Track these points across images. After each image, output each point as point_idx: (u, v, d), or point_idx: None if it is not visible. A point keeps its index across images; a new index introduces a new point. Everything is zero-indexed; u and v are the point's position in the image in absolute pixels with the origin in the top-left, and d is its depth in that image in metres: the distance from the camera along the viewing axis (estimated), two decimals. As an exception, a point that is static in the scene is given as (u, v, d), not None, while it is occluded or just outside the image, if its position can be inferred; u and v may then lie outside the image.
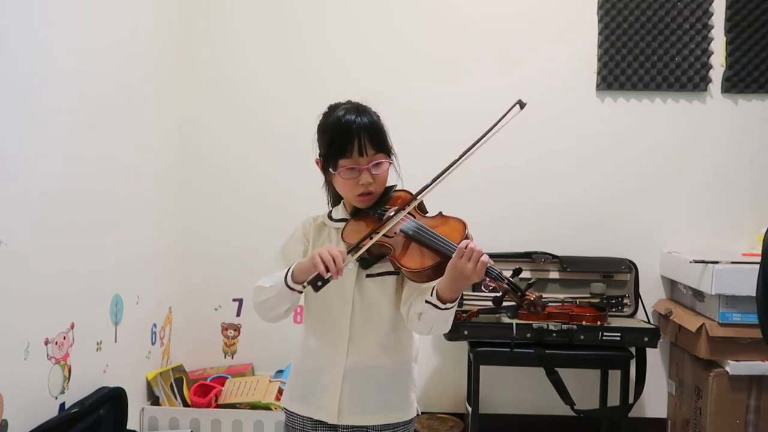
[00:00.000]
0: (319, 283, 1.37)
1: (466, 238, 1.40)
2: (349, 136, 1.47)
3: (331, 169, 1.51)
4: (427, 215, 1.54)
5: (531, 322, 2.60)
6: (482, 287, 2.90)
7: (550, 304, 2.78)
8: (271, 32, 3.02)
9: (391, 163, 1.53)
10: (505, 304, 1.38)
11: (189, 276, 3.03)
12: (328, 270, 1.36)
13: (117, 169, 2.34)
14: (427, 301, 1.39)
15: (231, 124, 3.05)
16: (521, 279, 1.39)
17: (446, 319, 1.42)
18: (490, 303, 2.82)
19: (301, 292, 1.46)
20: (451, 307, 1.40)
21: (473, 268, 1.31)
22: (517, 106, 1.55)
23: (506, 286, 1.36)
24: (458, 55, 3.01)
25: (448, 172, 1.48)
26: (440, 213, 1.52)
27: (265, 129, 3.03)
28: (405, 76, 3.00)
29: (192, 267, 3.04)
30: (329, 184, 1.60)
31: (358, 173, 1.48)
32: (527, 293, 1.35)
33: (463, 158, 1.49)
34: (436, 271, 1.38)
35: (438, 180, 1.46)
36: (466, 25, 3.00)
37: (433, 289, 1.39)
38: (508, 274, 1.37)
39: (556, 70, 3.00)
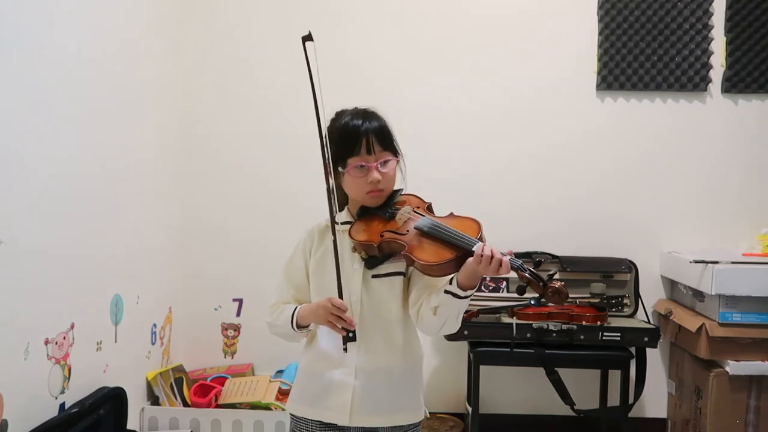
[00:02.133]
0: (351, 335, 1.45)
1: (481, 236, 1.42)
2: (357, 136, 1.52)
3: (340, 169, 1.54)
4: (437, 215, 1.55)
5: (531, 322, 2.60)
6: (482, 287, 2.90)
7: (550, 304, 2.78)
8: (275, 19, 3.00)
9: (398, 161, 1.56)
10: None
11: (189, 276, 3.03)
12: (345, 330, 1.45)
13: (116, 168, 2.34)
14: (446, 291, 1.41)
15: (234, 122, 3.04)
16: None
17: (461, 311, 1.45)
18: (489, 303, 2.82)
19: (311, 330, 1.56)
20: (470, 295, 1.42)
21: (495, 271, 1.35)
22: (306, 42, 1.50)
23: (528, 276, 1.38)
24: (458, 56, 3.01)
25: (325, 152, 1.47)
26: (451, 213, 1.54)
27: (269, 125, 3.01)
28: (407, 75, 3.00)
29: (192, 267, 3.04)
30: (339, 188, 1.60)
31: (366, 171, 1.52)
32: (550, 282, 1.37)
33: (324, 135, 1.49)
34: (455, 265, 1.40)
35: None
36: (466, 25, 3.00)
37: (452, 278, 1.41)
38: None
39: (557, 70, 3.00)
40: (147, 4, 2.63)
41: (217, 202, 3.06)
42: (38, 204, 1.84)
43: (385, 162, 1.53)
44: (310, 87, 1.47)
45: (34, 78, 1.82)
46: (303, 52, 1.49)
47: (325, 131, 1.50)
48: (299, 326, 1.54)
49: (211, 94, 3.03)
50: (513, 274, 1.40)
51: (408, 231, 1.48)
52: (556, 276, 1.42)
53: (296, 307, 1.55)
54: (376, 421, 1.52)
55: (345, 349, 1.47)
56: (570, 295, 2.81)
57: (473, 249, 1.37)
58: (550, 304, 1.42)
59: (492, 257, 1.34)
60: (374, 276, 1.52)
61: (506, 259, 1.35)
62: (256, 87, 3.03)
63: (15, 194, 1.74)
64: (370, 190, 1.53)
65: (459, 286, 1.40)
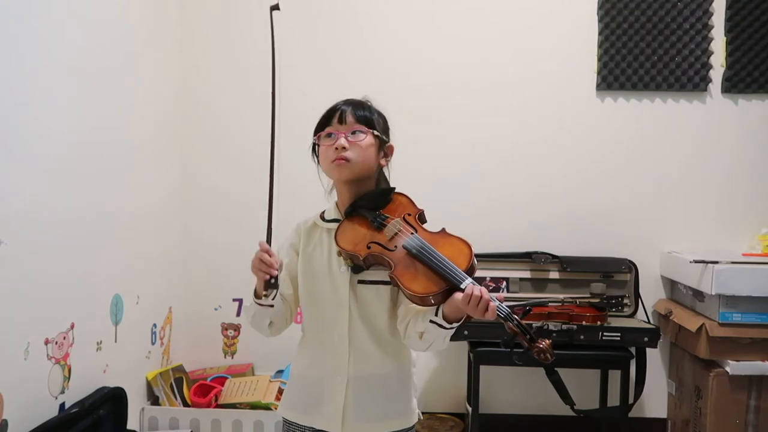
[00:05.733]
0: (272, 281, 1.42)
1: (471, 264, 1.36)
2: (333, 110, 1.51)
3: (316, 142, 1.53)
4: (426, 228, 1.47)
5: (531, 322, 2.59)
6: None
7: (550, 304, 2.78)
8: None
9: (372, 134, 1.49)
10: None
11: (189, 276, 3.03)
12: (268, 274, 1.41)
13: (116, 164, 2.34)
14: (431, 321, 1.37)
15: (238, 98, 3.02)
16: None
17: (447, 336, 1.41)
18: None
19: (271, 306, 1.47)
20: (456, 327, 1.38)
21: (482, 314, 1.30)
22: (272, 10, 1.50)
23: (516, 328, 1.33)
24: (458, 55, 3.01)
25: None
26: (443, 230, 1.47)
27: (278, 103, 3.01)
28: (406, 71, 3.00)
29: (192, 267, 3.04)
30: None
31: (334, 139, 1.48)
32: (538, 340, 1.31)
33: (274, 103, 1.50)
34: (441, 298, 1.34)
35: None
36: (466, 25, 3.00)
37: (438, 308, 1.37)
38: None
39: (556, 70, 3.00)
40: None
41: (218, 204, 3.05)
42: (38, 204, 1.84)
43: (355, 132, 1.47)
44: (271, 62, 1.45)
45: (29, 64, 1.82)
46: (270, 23, 1.47)
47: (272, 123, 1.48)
48: (256, 296, 1.47)
49: (212, 79, 3.03)
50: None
51: (396, 247, 1.41)
52: (542, 326, 1.35)
53: None
54: (368, 429, 1.50)
55: (266, 295, 1.44)
56: (570, 295, 2.86)
57: (462, 286, 1.31)
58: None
59: (480, 299, 1.29)
60: (360, 281, 1.48)
61: (494, 304, 1.30)
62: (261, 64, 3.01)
63: (15, 194, 1.73)
64: (335, 157, 1.46)
65: (444, 318, 1.35)
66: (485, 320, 1.32)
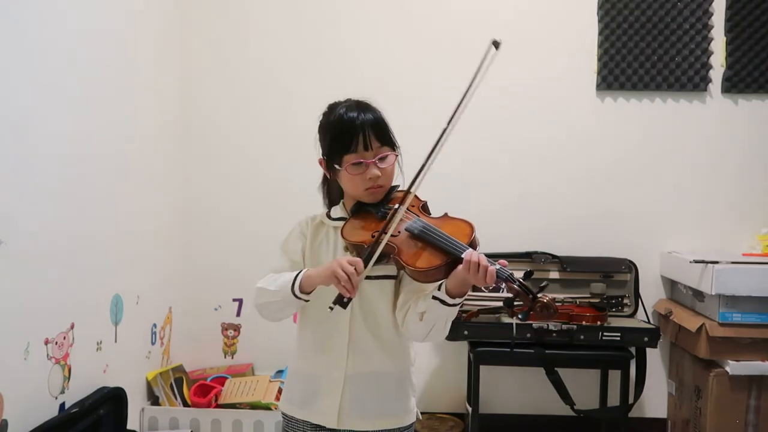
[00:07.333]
0: (345, 300, 1.38)
1: (473, 240, 1.38)
2: (353, 131, 1.47)
3: (336, 166, 1.50)
4: (431, 216, 1.51)
5: (531, 322, 2.60)
6: (482, 287, 2.89)
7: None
8: (278, 4, 3.01)
9: (396, 155, 1.52)
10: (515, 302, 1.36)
11: (189, 276, 3.03)
12: (348, 292, 1.36)
13: (116, 165, 2.34)
14: (434, 297, 1.38)
15: (235, 112, 3.04)
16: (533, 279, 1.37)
17: (449, 319, 1.42)
18: (489, 303, 2.82)
19: (307, 301, 1.45)
20: (458, 303, 1.39)
21: (482, 280, 1.31)
22: (492, 47, 1.52)
23: (517, 288, 1.33)
24: (458, 55, 3.00)
25: (443, 137, 1.50)
26: (446, 214, 1.51)
27: (271, 115, 3.02)
28: (404, 68, 3.00)
29: (192, 267, 3.04)
30: (332, 182, 1.59)
31: (364, 167, 1.47)
32: (539, 296, 1.32)
33: (453, 119, 1.52)
34: (444, 271, 1.36)
35: (435, 151, 1.47)
36: (466, 24, 2.99)
37: (441, 284, 1.38)
38: (518, 274, 1.36)
39: (556, 70, 3.00)
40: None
41: (218, 204, 3.06)
42: (38, 204, 1.84)
43: (384, 157, 1.48)
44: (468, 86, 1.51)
45: (34, 73, 1.82)
46: (485, 54, 1.54)
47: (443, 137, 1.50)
48: (301, 291, 1.42)
49: (213, 97, 3.03)
50: (514, 274, 1.36)
51: (399, 232, 1.44)
52: (547, 287, 1.36)
53: (301, 270, 1.45)
54: (364, 425, 1.50)
55: (331, 308, 1.39)
56: (570, 295, 2.86)
57: (462, 256, 1.32)
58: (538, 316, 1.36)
59: (479, 264, 1.30)
60: (366, 277, 1.47)
61: (493, 268, 1.31)
62: (258, 74, 3.03)
63: (15, 194, 1.74)
64: (369, 186, 1.49)
65: (448, 293, 1.37)
66: (488, 285, 1.32)
